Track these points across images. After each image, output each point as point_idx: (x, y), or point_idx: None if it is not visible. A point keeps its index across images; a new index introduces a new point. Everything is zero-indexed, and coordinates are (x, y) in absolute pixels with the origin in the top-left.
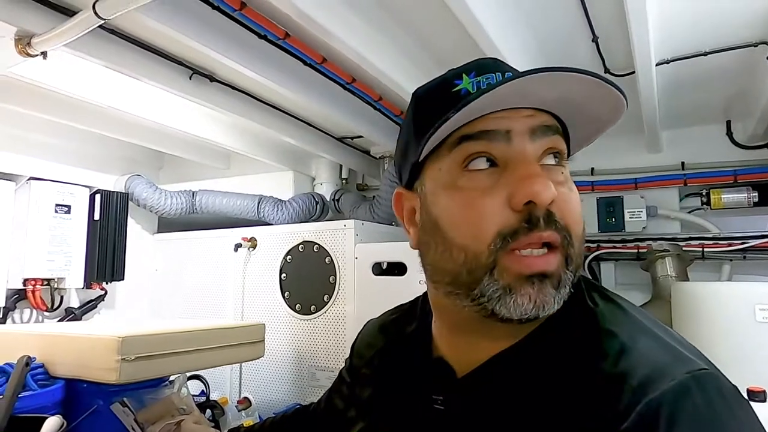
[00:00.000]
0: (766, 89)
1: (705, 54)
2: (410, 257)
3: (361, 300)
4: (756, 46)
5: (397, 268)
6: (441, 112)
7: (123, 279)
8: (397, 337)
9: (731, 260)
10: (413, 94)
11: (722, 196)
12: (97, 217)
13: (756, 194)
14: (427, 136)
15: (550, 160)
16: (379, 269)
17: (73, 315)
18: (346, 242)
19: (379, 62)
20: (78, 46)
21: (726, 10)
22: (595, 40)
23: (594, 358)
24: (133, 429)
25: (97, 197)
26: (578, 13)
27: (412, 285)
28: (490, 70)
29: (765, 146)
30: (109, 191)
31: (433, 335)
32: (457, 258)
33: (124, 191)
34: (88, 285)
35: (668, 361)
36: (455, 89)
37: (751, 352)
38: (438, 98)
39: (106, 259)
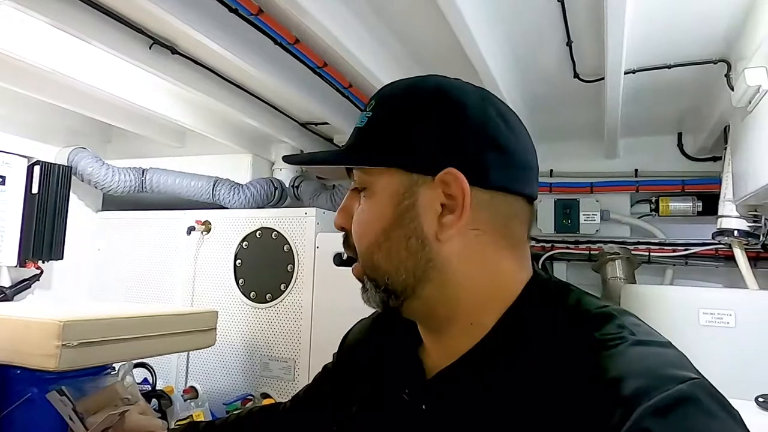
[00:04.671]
0: (719, 105)
1: (669, 67)
2: None
3: (320, 290)
4: (716, 63)
5: None
6: None
7: (62, 258)
8: (389, 333)
9: (674, 265)
10: None
11: (670, 204)
12: (35, 190)
13: (700, 204)
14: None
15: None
16: (339, 260)
17: (3, 295)
18: (306, 231)
19: (353, 47)
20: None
21: (692, 27)
22: (569, 44)
23: (580, 363)
24: (71, 420)
25: (36, 169)
26: (556, 16)
27: None
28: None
29: (711, 159)
30: (50, 163)
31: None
32: None
33: (66, 164)
34: (22, 263)
35: (661, 369)
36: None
37: (695, 355)
38: None
39: (43, 236)
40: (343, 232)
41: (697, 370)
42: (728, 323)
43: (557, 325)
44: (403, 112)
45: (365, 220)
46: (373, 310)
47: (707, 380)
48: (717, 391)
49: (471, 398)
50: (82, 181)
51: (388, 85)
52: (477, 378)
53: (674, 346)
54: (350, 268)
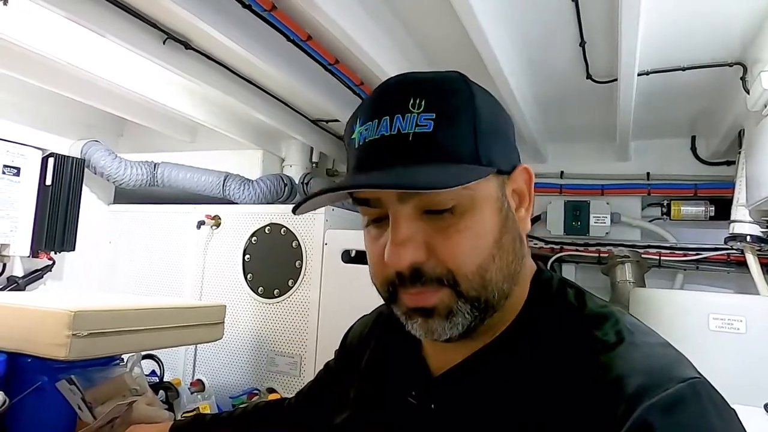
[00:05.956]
0: (734, 109)
1: (683, 69)
2: None
3: (327, 287)
4: (731, 66)
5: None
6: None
7: (73, 249)
8: (391, 332)
9: (685, 269)
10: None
11: (682, 207)
12: (49, 182)
13: (713, 208)
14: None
15: (429, 213)
16: (347, 257)
17: (16, 284)
18: (315, 227)
19: (365, 44)
20: None
21: (707, 29)
22: (582, 44)
23: (583, 363)
24: (80, 408)
25: (50, 161)
26: (569, 16)
27: None
28: (371, 116)
29: (725, 163)
30: (64, 156)
31: None
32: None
33: (80, 157)
34: (34, 254)
35: (662, 368)
36: (352, 137)
37: (705, 360)
38: (346, 145)
39: (56, 227)
40: (413, 267)
41: (696, 369)
42: (739, 329)
43: (562, 324)
44: (481, 113)
45: (476, 236)
46: (371, 308)
47: (706, 380)
48: (716, 390)
49: (480, 395)
50: (95, 174)
51: (407, 79)
52: (488, 374)
53: (672, 346)
54: (357, 266)
